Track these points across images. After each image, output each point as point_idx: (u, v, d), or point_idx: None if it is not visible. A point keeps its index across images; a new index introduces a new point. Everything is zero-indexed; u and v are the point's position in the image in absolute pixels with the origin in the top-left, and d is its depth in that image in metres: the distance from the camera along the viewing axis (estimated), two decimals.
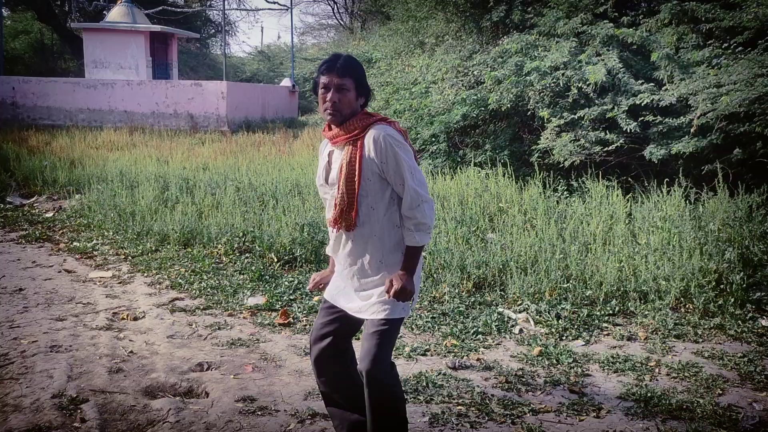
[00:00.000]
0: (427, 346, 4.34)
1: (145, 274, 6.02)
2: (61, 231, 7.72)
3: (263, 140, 15.35)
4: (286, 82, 22.55)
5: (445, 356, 4.21)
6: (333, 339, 2.80)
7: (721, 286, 5.33)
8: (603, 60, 8.48)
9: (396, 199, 2.68)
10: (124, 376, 3.83)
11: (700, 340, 4.57)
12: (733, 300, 5.12)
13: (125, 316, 4.88)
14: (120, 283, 5.81)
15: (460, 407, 3.50)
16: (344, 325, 2.81)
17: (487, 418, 3.39)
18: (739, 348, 4.42)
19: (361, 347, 2.67)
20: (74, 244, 7.06)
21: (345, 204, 2.64)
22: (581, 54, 8.74)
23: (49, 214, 8.57)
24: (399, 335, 4.30)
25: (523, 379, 3.88)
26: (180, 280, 5.73)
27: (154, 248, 6.74)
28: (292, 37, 24.30)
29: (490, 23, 10.31)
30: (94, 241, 7.11)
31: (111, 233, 7.35)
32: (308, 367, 4.01)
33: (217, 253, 6.45)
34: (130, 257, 6.54)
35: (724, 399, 3.64)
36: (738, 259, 5.59)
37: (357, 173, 2.60)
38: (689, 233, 6.11)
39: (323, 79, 2.64)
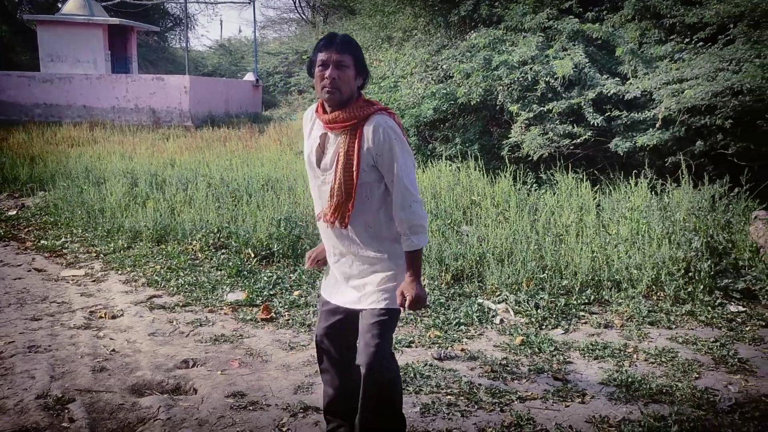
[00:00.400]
0: (411, 338, 4.39)
1: (119, 272, 5.92)
2: (26, 229, 7.52)
3: (229, 135, 15.18)
4: (250, 77, 22.31)
5: (429, 347, 4.26)
6: (340, 339, 2.79)
7: (690, 274, 5.51)
8: (569, 55, 8.63)
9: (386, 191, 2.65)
10: (109, 375, 3.77)
11: (673, 326, 4.73)
12: (701, 287, 5.30)
13: (103, 315, 4.80)
14: (94, 281, 5.70)
15: (449, 397, 3.55)
16: (349, 325, 2.76)
17: (476, 406, 3.46)
18: (711, 333, 4.58)
19: (359, 339, 2.67)
20: (42, 242, 6.89)
21: (342, 195, 2.56)
22: (548, 49, 8.89)
23: (12, 212, 8.33)
24: None
25: (508, 368, 3.96)
26: (156, 277, 5.65)
27: (126, 245, 6.63)
28: (255, 31, 24.04)
29: (458, 18, 10.39)
30: (63, 239, 6.95)
31: (80, 231, 7.19)
32: (296, 361, 4.03)
33: (193, 249, 6.38)
34: (102, 255, 6.42)
35: (700, 382, 3.78)
36: (704, 248, 5.78)
37: (356, 164, 2.52)
38: (657, 223, 6.30)
39: (321, 56, 2.51)
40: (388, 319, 2.62)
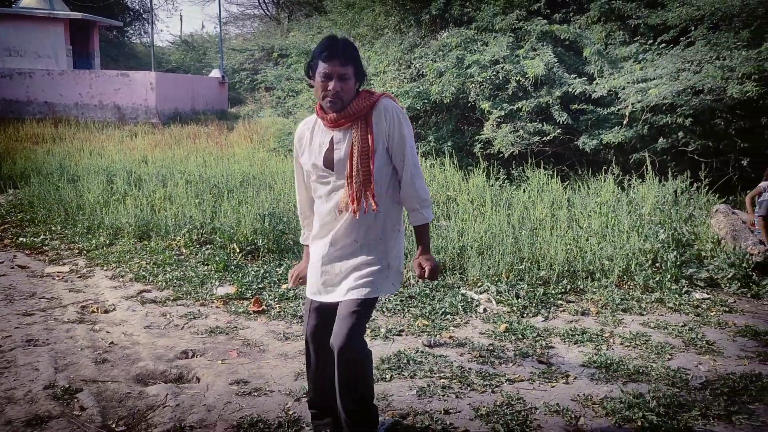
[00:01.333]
0: (401, 327, 4.58)
1: (105, 268, 5.96)
2: (2, 227, 7.46)
3: (197, 133, 15.15)
4: (216, 73, 22.21)
5: (419, 335, 4.46)
6: (328, 335, 2.79)
7: (657, 264, 5.84)
8: (539, 55, 8.93)
9: (395, 175, 2.76)
10: (112, 366, 3.87)
11: (645, 312, 5.02)
12: (668, 276, 5.63)
13: (95, 309, 4.86)
14: (80, 277, 5.73)
15: (443, 380, 3.75)
16: (334, 317, 2.81)
17: (469, 388, 3.67)
18: (679, 318, 4.89)
19: (336, 323, 2.71)
20: (21, 239, 6.86)
21: (361, 181, 2.63)
22: (518, 49, 9.18)
23: None
24: (372, 318, 4.54)
25: (495, 353, 4.18)
26: (143, 273, 5.72)
27: (108, 242, 6.66)
28: (221, 27, 23.87)
29: (430, 17, 10.61)
30: (42, 236, 6.93)
31: (59, 228, 7.18)
32: (292, 350, 4.18)
33: (177, 245, 6.45)
34: (84, 251, 6.44)
35: (673, 363, 4.07)
36: (670, 240, 6.12)
37: (371, 148, 2.62)
38: (625, 217, 6.63)
39: (324, 68, 2.57)
40: (365, 309, 2.72)
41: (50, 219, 7.45)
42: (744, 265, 5.71)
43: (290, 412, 3.33)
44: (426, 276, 2.73)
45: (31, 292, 5.28)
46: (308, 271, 2.93)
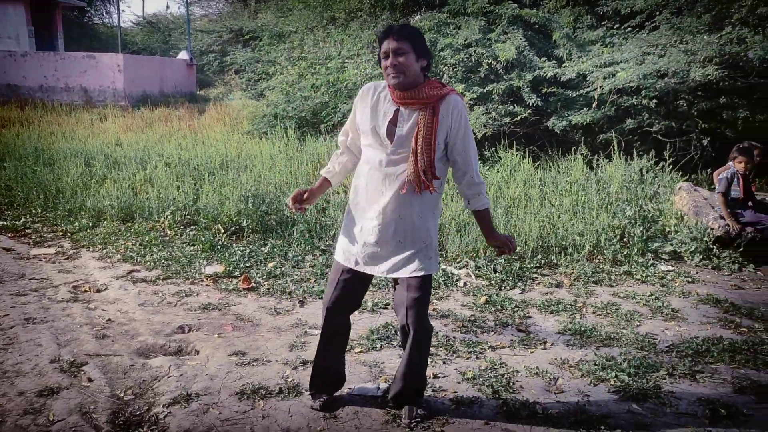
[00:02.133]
0: (387, 301, 4.80)
1: (91, 250, 6.05)
2: None
3: (168, 115, 15.05)
4: (183, 55, 21.95)
5: None
6: (350, 304, 3.06)
7: (625, 239, 6.17)
8: (510, 38, 9.17)
9: (446, 164, 2.90)
10: (112, 341, 4.01)
11: (614, 284, 5.34)
12: (636, 250, 5.96)
13: (87, 289, 4.97)
14: (67, 258, 5.82)
15: (430, 348, 3.98)
16: (364, 286, 3.09)
17: (455, 355, 3.91)
18: (646, 289, 5.22)
19: (404, 303, 2.93)
20: (1, 222, 6.87)
21: (425, 165, 2.76)
22: (490, 33, 9.40)
23: None
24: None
25: (477, 323, 4.43)
26: (130, 254, 5.83)
27: (91, 224, 6.72)
28: (188, 8, 23.53)
29: (402, 0, 10.76)
30: (23, 219, 6.95)
31: (39, 211, 7.20)
32: (284, 324, 4.37)
33: (161, 226, 6.55)
34: (68, 234, 6.50)
35: (641, 329, 4.38)
36: (636, 216, 6.46)
37: (434, 137, 2.75)
38: (594, 195, 6.95)
39: (383, 46, 2.72)
40: (429, 286, 2.95)
41: (29, 202, 7.46)
42: (705, 239, 6.07)
43: (289, 380, 3.53)
44: (512, 249, 2.93)
45: (20, 274, 5.35)
46: (343, 239, 3.05)
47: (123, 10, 59.19)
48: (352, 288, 3.05)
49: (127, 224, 6.73)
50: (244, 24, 23.26)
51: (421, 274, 2.90)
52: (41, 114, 14.96)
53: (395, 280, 3.06)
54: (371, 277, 3.09)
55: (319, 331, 3.20)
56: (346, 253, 3.03)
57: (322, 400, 3.20)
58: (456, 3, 10.10)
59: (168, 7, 55.90)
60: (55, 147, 9.59)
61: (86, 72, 18.00)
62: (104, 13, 34.70)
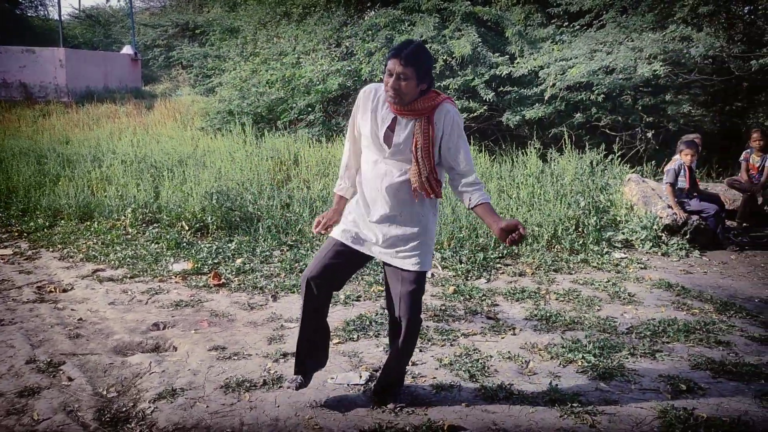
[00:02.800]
0: (358, 294, 4.91)
1: (51, 249, 5.93)
2: None
3: (115, 111, 14.70)
4: (127, 50, 21.40)
5: (375, 300, 4.80)
6: (333, 279, 3.09)
7: (580, 229, 6.44)
8: (464, 35, 9.37)
9: (442, 169, 2.98)
10: (87, 340, 3.98)
11: (573, 272, 5.58)
12: (591, 239, 6.24)
13: (53, 289, 4.89)
14: (26, 259, 5.69)
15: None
16: (351, 268, 3.17)
17: (429, 343, 4.05)
18: (603, 275, 5.48)
19: (398, 295, 3.03)
20: None
21: (428, 172, 2.88)
22: (444, 29, 9.58)
23: None
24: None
25: (447, 312, 4.58)
26: (93, 253, 5.75)
27: (47, 224, 6.58)
28: (131, 1, 22.92)
29: None
30: None
31: None
32: (259, 318, 4.42)
33: (122, 225, 6.47)
34: (24, 234, 6.35)
35: (602, 313, 4.61)
36: (590, 207, 6.75)
37: (431, 145, 2.86)
38: (549, 187, 7.21)
39: (389, 64, 2.78)
40: (423, 281, 3.05)
41: None
42: (655, 227, 6.40)
43: (272, 371, 3.59)
44: (524, 230, 2.79)
45: None
46: (345, 217, 3.12)
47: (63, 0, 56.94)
48: (340, 262, 3.04)
49: (85, 223, 6.61)
50: (190, 18, 22.86)
51: (416, 269, 3.00)
52: None
53: (386, 278, 3.15)
54: (359, 263, 3.16)
55: (298, 325, 3.24)
56: (345, 233, 3.07)
57: (298, 381, 3.20)
58: (410, 0, 10.24)
59: (108, 0, 54.08)
60: (1, 145, 9.27)
61: (25, 66, 17.37)
62: (39, 6, 33.44)
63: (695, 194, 6.74)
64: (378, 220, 3.02)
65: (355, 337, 4.11)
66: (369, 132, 2.96)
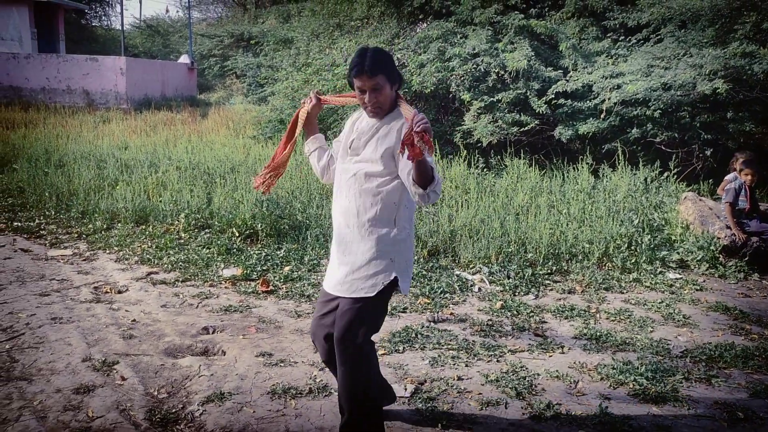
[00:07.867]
0: (405, 305, 4.90)
1: (107, 251, 6.11)
2: None
3: (171, 119, 15.12)
4: (185, 59, 22.03)
5: (422, 312, 4.79)
6: (321, 330, 2.93)
7: (632, 247, 6.29)
8: (517, 48, 9.30)
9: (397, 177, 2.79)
10: (139, 341, 4.09)
11: (624, 291, 5.45)
12: (644, 258, 6.08)
13: (109, 290, 5.04)
14: (84, 260, 5.88)
15: (451, 351, 4.09)
16: (327, 312, 2.92)
17: (475, 358, 4.01)
18: (656, 296, 5.33)
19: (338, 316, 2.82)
20: (16, 224, 6.93)
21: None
22: (498, 42, 9.53)
23: None
24: None
25: (494, 328, 4.53)
26: (147, 256, 5.90)
27: (105, 227, 6.79)
28: (189, 12, 23.62)
29: (410, 9, 10.88)
30: (37, 221, 7.01)
31: (53, 213, 7.27)
32: (305, 326, 4.46)
33: (175, 229, 6.63)
34: (83, 235, 6.57)
35: (655, 335, 4.49)
36: (643, 225, 6.59)
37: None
38: (601, 203, 7.07)
39: (357, 83, 2.73)
40: (362, 306, 2.77)
41: (42, 204, 7.52)
42: (712, 248, 6.20)
43: (318, 380, 3.61)
44: (417, 121, 2.38)
45: (40, 275, 5.41)
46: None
47: (125, 11, 58.96)
48: (328, 312, 2.92)
49: (141, 227, 6.80)
50: (245, 29, 23.37)
51: (360, 295, 2.79)
52: (44, 116, 14.99)
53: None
54: (335, 303, 2.90)
55: None
56: (326, 279, 2.97)
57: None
58: (463, 13, 10.23)
59: (167, 11, 55.83)
60: (64, 149, 9.64)
61: (88, 74, 18.06)
62: (102, 16, 34.77)
63: (755, 215, 6.51)
64: (342, 240, 2.87)
65: (401, 349, 4.10)
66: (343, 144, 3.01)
